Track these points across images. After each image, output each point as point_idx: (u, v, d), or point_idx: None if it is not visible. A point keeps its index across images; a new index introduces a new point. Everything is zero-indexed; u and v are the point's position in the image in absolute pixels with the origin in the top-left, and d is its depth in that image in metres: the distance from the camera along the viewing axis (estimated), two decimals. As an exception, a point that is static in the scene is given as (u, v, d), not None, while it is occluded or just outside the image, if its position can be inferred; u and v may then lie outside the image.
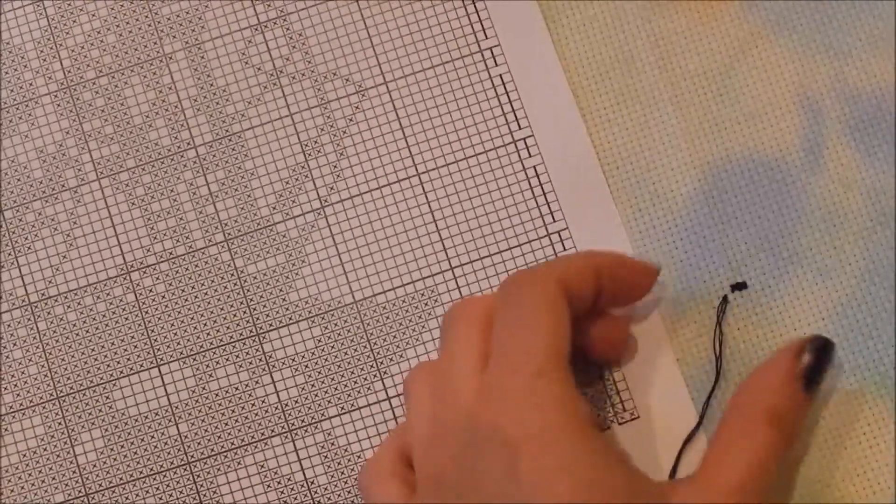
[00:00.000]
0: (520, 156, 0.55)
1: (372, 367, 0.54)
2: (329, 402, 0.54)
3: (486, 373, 0.47)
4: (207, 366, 0.54)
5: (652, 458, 0.52)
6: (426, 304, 0.54)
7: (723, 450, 0.47)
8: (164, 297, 0.55)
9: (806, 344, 0.49)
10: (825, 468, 0.52)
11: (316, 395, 0.54)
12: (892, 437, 0.52)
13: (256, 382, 0.54)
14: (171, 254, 0.55)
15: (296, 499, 0.53)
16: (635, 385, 0.53)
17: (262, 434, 0.53)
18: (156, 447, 0.53)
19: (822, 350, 0.49)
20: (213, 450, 0.53)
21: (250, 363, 0.54)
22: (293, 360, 0.54)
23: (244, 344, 0.54)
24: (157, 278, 0.55)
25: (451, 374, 0.48)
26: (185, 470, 0.53)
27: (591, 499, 0.44)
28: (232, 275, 0.55)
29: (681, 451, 0.51)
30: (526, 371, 0.46)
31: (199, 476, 0.53)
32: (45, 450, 0.54)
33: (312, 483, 0.53)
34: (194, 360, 0.54)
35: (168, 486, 0.53)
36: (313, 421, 0.53)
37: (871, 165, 0.54)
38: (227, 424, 0.54)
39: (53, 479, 0.53)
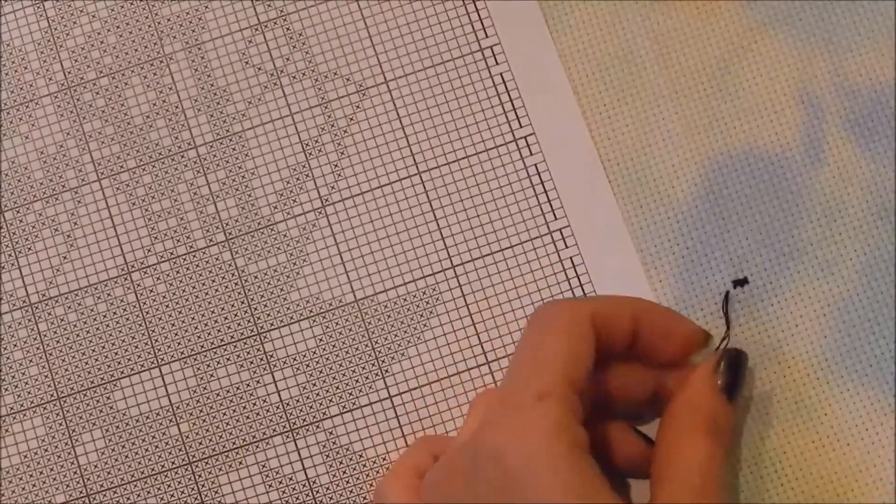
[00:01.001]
0: (521, 154, 0.55)
1: (373, 365, 0.54)
2: (330, 401, 0.53)
3: (494, 393, 0.47)
4: (208, 365, 0.54)
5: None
6: (427, 303, 0.54)
7: (672, 467, 0.48)
8: (164, 297, 0.54)
9: (721, 358, 0.50)
10: (826, 466, 0.52)
11: (317, 395, 0.54)
12: (892, 433, 0.52)
13: (258, 382, 0.54)
14: (171, 254, 0.55)
15: (297, 498, 0.53)
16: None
17: (264, 434, 0.53)
18: (157, 447, 0.53)
19: (734, 361, 0.50)
20: (214, 450, 0.53)
21: (251, 363, 0.54)
22: (294, 359, 0.54)
23: (245, 343, 0.54)
24: (158, 278, 0.55)
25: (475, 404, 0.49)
26: (186, 470, 0.53)
27: None
28: (233, 274, 0.55)
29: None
30: (530, 392, 0.46)
31: (200, 476, 0.53)
32: (45, 450, 0.53)
33: (314, 483, 0.53)
34: (195, 359, 0.54)
35: (169, 486, 0.53)
36: (314, 420, 0.53)
37: (871, 160, 0.54)
38: (228, 424, 0.53)
39: (54, 479, 0.53)
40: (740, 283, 0.53)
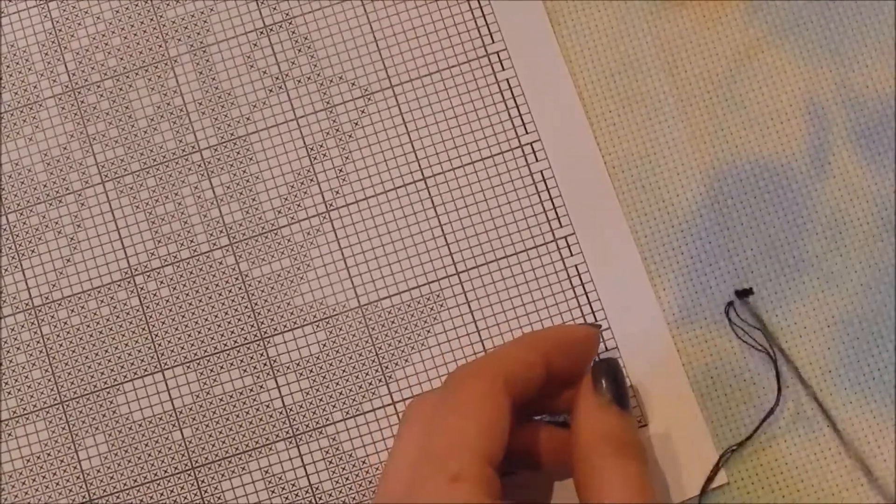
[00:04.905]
0: (526, 160, 0.55)
1: (377, 371, 0.54)
2: (334, 406, 0.53)
3: (413, 468, 0.47)
4: (212, 370, 0.54)
5: (657, 463, 0.52)
6: (432, 309, 0.54)
7: (603, 493, 0.47)
8: (168, 301, 0.54)
9: (598, 375, 0.49)
10: (827, 477, 0.52)
11: (321, 400, 0.54)
12: (893, 445, 0.52)
13: (261, 387, 0.54)
14: (175, 257, 0.55)
15: (300, 504, 0.53)
16: (643, 391, 0.53)
17: (267, 439, 0.53)
18: (160, 452, 0.53)
19: (611, 372, 0.50)
20: (217, 455, 0.53)
21: (255, 368, 0.54)
22: (298, 364, 0.54)
23: (248, 348, 0.54)
24: (162, 282, 0.54)
25: (386, 474, 0.48)
26: (189, 475, 0.53)
27: None
28: (236, 279, 0.54)
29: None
30: (445, 474, 0.46)
31: (203, 481, 0.53)
32: (48, 455, 0.53)
33: (317, 489, 0.53)
34: (198, 364, 0.54)
35: (172, 491, 0.53)
36: (318, 426, 0.53)
37: (877, 172, 0.54)
38: (231, 429, 0.53)
39: (57, 484, 0.53)
40: (744, 293, 0.53)
